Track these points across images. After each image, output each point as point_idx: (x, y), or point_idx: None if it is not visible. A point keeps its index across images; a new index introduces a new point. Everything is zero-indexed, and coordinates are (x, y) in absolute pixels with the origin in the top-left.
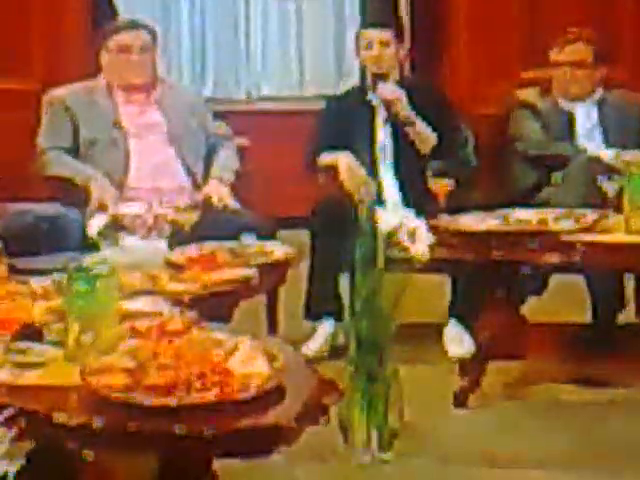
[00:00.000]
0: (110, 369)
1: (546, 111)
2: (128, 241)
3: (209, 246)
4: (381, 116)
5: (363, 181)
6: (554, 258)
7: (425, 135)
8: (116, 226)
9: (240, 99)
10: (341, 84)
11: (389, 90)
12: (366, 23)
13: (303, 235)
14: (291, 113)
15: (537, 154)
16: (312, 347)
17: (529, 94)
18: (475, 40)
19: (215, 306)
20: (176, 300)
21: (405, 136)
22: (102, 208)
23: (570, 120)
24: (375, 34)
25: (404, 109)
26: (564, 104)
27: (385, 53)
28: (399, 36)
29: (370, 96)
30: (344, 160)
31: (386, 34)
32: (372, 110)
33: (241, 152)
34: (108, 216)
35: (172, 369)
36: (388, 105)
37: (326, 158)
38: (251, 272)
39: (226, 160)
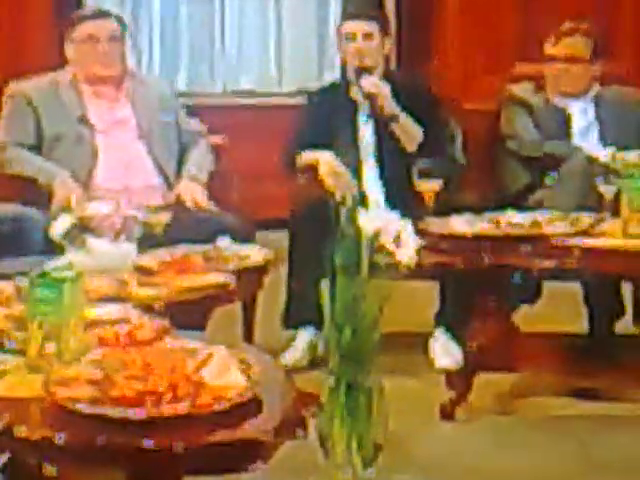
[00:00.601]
0: (75, 380)
1: (540, 108)
2: (95, 244)
3: (182, 250)
4: (364, 112)
5: (345, 181)
6: (548, 264)
7: (411, 131)
8: (82, 228)
9: (216, 93)
10: (323, 78)
11: (372, 83)
12: (348, 14)
13: (282, 238)
14: (270, 108)
15: (530, 153)
16: (291, 357)
17: (522, 89)
18: (466, 32)
19: (188, 313)
20: (146, 307)
21: (389, 133)
22: (67, 209)
23: (565, 118)
24: (358, 26)
25: (388, 104)
26: (559, 101)
27: (369, 46)
28: (384, 28)
29: (353, 91)
30: (325, 159)
31: (370, 26)
32: (355, 106)
33: (216, 150)
34: (73, 217)
35: (141, 380)
36: (371, 99)
37: (306, 157)
38: (227, 277)
39: (200, 158)
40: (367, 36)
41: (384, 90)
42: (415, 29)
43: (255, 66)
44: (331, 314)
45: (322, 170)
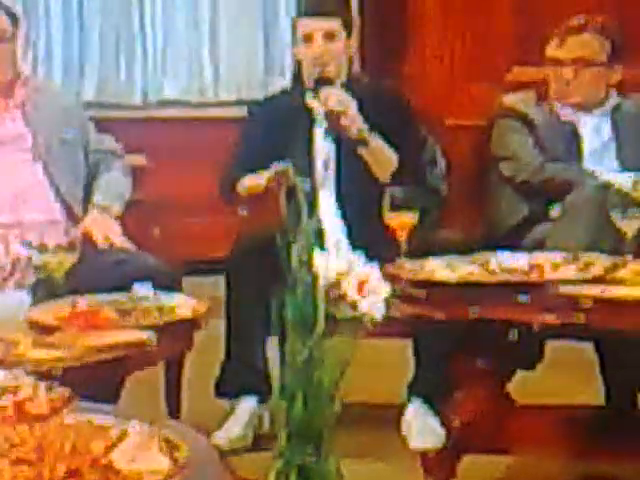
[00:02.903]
0: None
1: (542, 123)
2: None
3: (89, 300)
4: (322, 129)
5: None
6: (551, 318)
7: (383, 158)
8: None
9: (134, 104)
10: (270, 85)
11: (335, 98)
12: (305, 9)
13: (218, 284)
14: (202, 122)
15: (529, 179)
16: (228, 434)
17: (520, 100)
18: (448, 29)
19: (96, 380)
20: (42, 373)
21: (353, 155)
22: None
23: (574, 135)
24: (316, 24)
25: (355, 123)
26: (566, 114)
27: (330, 48)
28: (349, 26)
29: (309, 100)
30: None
31: (331, 23)
32: (311, 118)
33: (135, 173)
34: None
35: (34, 465)
36: (333, 118)
37: (249, 182)
38: (146, 334)
39: (114, 184)
40: (328, 36)
41: (350, 108)
42: (383, 26)
43: (183, 70)
44: (279, 380)
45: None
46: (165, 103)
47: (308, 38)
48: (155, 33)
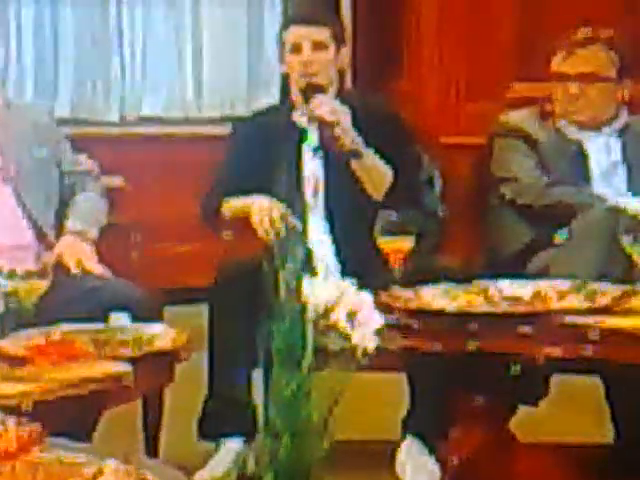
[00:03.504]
0: None
1: (546, 142)
2: None
3: (62, 330)
4: (313, 145)
5: (288, 237)
6: (556, 351)
7: (377, 173)
8: None
9: (111, 121)
10: (255, 101)
11: (327, 107)
12: (292, 18)
13: (200, 314)
14: (184, 140)
15: (532, 202)
16: (210, 475)
17: (522, 118)
18: (446, 42)
19: (70, 416)
20: (10, 407)
21: (345, 173)
22: None
23: (581, 155)
24: (305, 33)
25: (348, 136)
26: (572, 133)
27: (319, 59)
28: (338, 35)
29: (297, 117)
30: (259, 206)
31: (320, 33)
32: (299, 136)
33: (112, 196)
34: None
35: None
36: (324, 129)
37: (234, 204)
38: (123, 367)
39: (88, 207)
40: (317, 46)
41: (343, 117)
42: (377, 37)
43: (164, 86)
44: (265, 417)
45: (256, 221)
46: (144, 120)
47: (296, 48)
48: (134, 46)
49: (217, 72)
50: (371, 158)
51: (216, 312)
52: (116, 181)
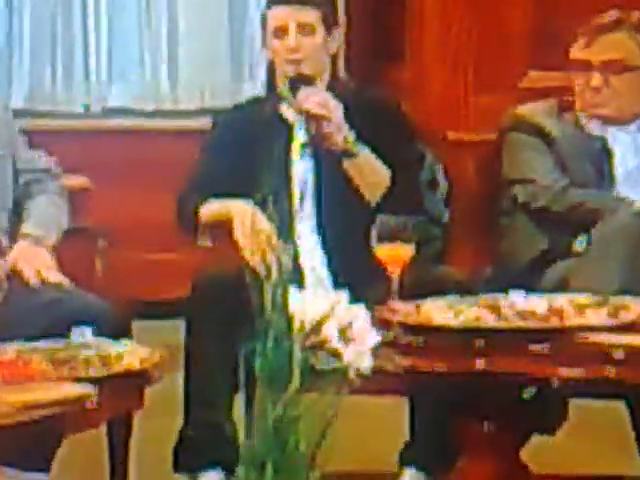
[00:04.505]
0: None
1: (564, 139)
2: None
3: (15, 348)
4: (301, 142)
5: (271, 245)
6: (575, 372)
7: (373, 174)
8: None
9: (73, 113)
10: (238, 91)
11: (316, 99)
12: None
13: (176, 330)
14: (156, 135)
15: (548, 206)
16: None
17: (537, 112)
18: (453, 26)
19: (26, 444)
20: None
21: (337, 174)
22: None
23: (604, 154)
24: (291, 14)
25: (340, 131)
26: (594, 128)
27: (306, 44)
28: (329, 17)
29: (285, 110)
30: (240, 211)
31: (308, 14)
32: (287, 132)
33: (74, 197)
34: None
35: None
36: (314, 124)
37: (212, 208)
38: (85, 389)
39: (48, 210)
40: (305, 28)
41: (334, 110)
42: (374, 22)
43: (134, 74)
44: (248, 446)
45: (236, 228)
46: (112, 112)
47: (281, 31)
48: (99, 31)
49: (195, 59)
50: (366, 157)
51: (193, 328)
52: (79, 180)
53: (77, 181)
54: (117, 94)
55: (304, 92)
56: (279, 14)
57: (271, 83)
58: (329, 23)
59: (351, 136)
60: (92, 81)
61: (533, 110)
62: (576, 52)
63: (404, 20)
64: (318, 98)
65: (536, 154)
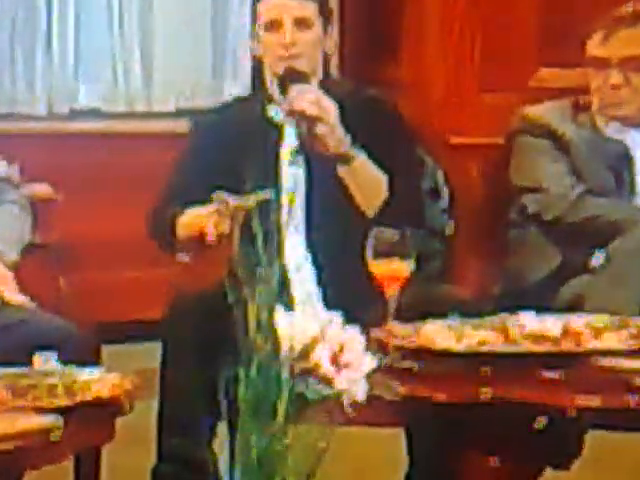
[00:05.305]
0: None
1: (580, 143)
2: None
3: None
4: (291, 145)
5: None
6: (593, 401)
7: (370, 181)
8: None
9: (37, 115)
10: (220, 92)
11: (310, 98)
12: None
13: (150, 354)
14: (129, 139)
15: (562, 217)
16: None
17: (549, 112)
18: (456, 20)
19: None
20: None
21: (330, 182)
22: None
23: (624, 159)
24: (287, 7)
25: (334, 133)
26: (613, 132)
27: (303, 39)
28: (326, 12)
29: (272, 111)
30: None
31: (306, 7)
32: (276, 136)
33: (38, 208)
34: None
35: None
36: (306, 125)
37: (187, 219)
38: (49, 420)
39: (7, 223)
40: (301, 23)
41: (329, 111)
42: (370, 16)
43: (105, 72)
44: None
45: (206, 229)
46: (79, 114)
47: (275, 25)
48: (66, 20)
49: (172, 56)
50: (363, 164)
51: (169, 352)
52: (43, 189)
53: (40, 190)
54: (85, 94)
55: (295, 90)
56: (274, 5)
57: (257, 81)
58: (326, 18)
59: (347, 140)
60: (57, 80)
61: (545, 111)
62: (592, 48)
63: (401, 14)
64: (311, 97)
65: (548, 159)
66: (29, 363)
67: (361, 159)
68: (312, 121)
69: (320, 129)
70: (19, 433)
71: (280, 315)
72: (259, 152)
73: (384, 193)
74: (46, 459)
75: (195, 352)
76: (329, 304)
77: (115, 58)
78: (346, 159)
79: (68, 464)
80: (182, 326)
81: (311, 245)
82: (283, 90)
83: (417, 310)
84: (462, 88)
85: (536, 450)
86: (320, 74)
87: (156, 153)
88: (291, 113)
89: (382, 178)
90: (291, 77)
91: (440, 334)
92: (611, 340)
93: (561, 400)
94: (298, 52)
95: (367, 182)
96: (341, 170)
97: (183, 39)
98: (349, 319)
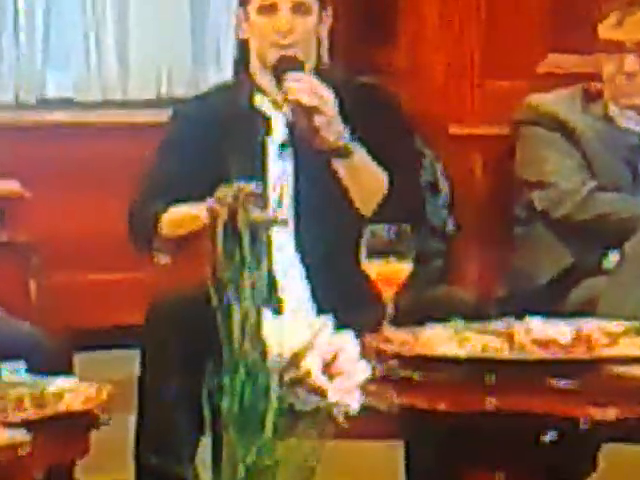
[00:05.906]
0: None
1: (591, 134)
2: None
3: None
4: (279, 139)
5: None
6: (608, 412)
7: (369, 177)
8: None
9: (2, 104)
10: (201, 79)
11: (307, 87)
12: None
13: (127, 363)
14: (103, 131)
15: (572, 215)
16: None
17: (558, 101)
18: (458, 2)
19: None
20: None
21: (325, 177)
22: None
23: (639, 152)
24: None
25: (332, 125)
26: (628, 122)
27: (302, 25)
28: None
29: (259, 101)
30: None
31: None
32: (264, 127)
33: (5, 206)
34: None
35: None
36: (302, 117)
37: (175, 216)
38: (17, 434)
39: None
40: (299, 7)
41: (328, 102)
42: None
43: (77, 59)
44: None
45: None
46: (48, 103)
47: (271, 8)
48: (34, 9)
49: (149, 42)
50: (361, 158)
51: (149, 360)
52: (10, 186)
53: (7, 186)
54: (55, 83)
55: (291, 79)
56: None
57: (242, 68)
58: (323, 2)
59: (345, 132)
60: (25, 67)
61: (553, 100)
62: (605, 31)
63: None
64: (308, 86)
65: (557, 152)
66: None
67: (360, 153)
68: (310, 112)
69: (318, 120)
70: None
71: (268, 320)
72: (244, 144)
73: (383, 191)
74: (13, 476)
75: (176, 360)
76: (321, 308)
77: (88, 43)
78: (344, 153)
79: None
80: (162, 332)
81: (300, 244)
82: (276, 78)
83: (416, 314)
84: (464, 74)
85: (545, 466)
86: (313, 61)
87: (133, 145)
88: (279, 104)
89: (381, 175)
90: (286, 66)
91: (441, 339)
92: (627, 346)
93: (573, 411)
94: (295, 40)
95: (366, 178)
96: (338, 164)
97: (161, 24)
98: (342, 324)
